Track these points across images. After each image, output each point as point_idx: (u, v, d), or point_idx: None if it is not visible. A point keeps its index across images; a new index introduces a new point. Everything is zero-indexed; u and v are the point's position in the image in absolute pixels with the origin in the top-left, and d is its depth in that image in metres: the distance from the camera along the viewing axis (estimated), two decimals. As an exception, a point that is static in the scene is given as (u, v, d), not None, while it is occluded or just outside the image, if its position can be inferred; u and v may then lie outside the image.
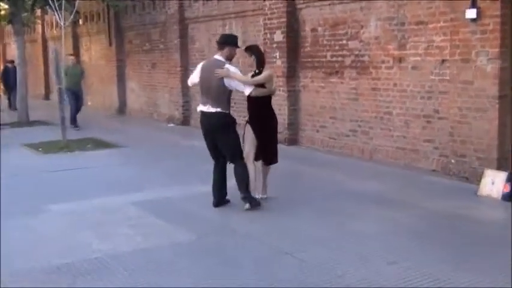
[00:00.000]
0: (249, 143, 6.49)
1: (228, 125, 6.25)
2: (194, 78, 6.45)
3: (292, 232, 5.49)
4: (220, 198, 6.47)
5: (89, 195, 7.21)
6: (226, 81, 6.21)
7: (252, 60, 6.57)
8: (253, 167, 6.48)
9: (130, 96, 17.73)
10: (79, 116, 14.39)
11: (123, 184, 7.89)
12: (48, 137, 12.02)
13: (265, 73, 6.47)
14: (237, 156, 6.31)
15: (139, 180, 8.10)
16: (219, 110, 6.21)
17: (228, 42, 6.38)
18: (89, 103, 18.56)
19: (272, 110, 6.62)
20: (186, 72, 14.20)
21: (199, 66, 6.48)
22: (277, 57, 10.78)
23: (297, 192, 7.16)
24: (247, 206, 6.24)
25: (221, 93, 6.23)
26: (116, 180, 8.15)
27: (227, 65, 6.26)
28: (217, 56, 6.36)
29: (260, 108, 6.49)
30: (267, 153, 6.56)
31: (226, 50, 6.32)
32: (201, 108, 6.32)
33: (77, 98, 14.26)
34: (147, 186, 7.67)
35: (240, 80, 6.28)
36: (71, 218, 6.20)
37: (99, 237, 5.49)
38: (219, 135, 6.25)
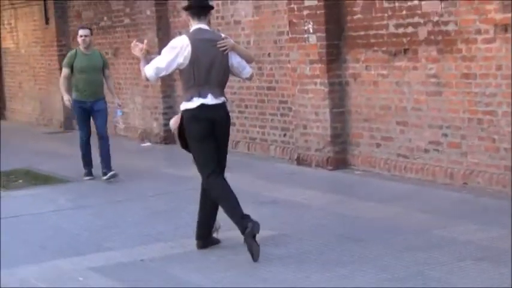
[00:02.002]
0: None
1: (230, 121, 7.20)
2: (172, 61, 6.91)
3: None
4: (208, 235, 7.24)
5: (21, 260, 7.19)
6: (232, 61, 7.04)
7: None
8: None
9: (82, 102, 17.80)
10: None
11: (75, 240, 7.88)
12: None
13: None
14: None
15: (101, 233, 8.10)
16: (223, 99, 6.98)
17: (209, 5, 7.27)
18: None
19: None
20: (167, 61, 14.25)
21: (182, 42, 6.91)
22: (310, 31, 10.78)
23: (355, 253, 7.11)
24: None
25: (226, 76, 7.06)
26: (65, 234, 8.14)
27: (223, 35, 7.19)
28: (204, 26, 7.05)
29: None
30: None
31: (209, 17, 7.21)
32: (200, 101, 6.83)
33: None
34: (114, 243, 7.67)
35: (245, 55, 7.27)
36: (-5, 297, 6.21)
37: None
38: (224, 135, 7.10)
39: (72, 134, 17.24)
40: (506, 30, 8.61)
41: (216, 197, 7.03)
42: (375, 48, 10.26)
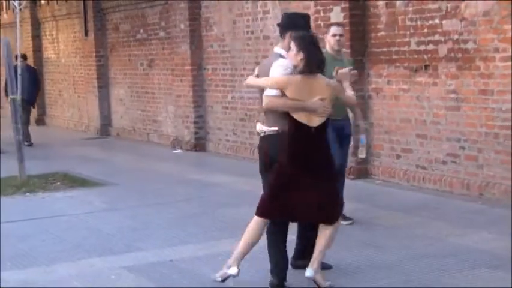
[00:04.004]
0: None
1: (266, 155, 6.19)
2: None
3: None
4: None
5: (58, 258, 7.24)
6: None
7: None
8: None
9: (118, 110, 17.94)
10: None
11: (110, 240, 7.91)
12: (-3, 171, 12.22)
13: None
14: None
15: (134, 234, 8.13)
16: (265, 129, 6.10)
17: (290, 25, 6.21)
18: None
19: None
20: (199, 73, 14.32)
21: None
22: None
23: (373, 259, 7.09)
24: None
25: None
26: (99, 235, 8.18)
27: (276, 62, 6.03)
28: (277, 49, 6.28)
29: None
30: None
31: (287, 38, 6.12)
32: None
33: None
34: (145, 243, 7.70)
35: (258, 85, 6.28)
36: (32, 292, 6.25)
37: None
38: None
39: (107, 139, 17.38)
40: (523, 49, 8.58)
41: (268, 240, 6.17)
42: (397, 64, 10.24)
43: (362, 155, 8.64)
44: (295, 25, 6.12)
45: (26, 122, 16.23)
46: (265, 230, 6.03)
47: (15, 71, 15.69)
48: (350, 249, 6.94)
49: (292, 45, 5.85)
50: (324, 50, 7.10)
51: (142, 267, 6.82)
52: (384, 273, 6.38)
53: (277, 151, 5.90)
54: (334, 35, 8.14)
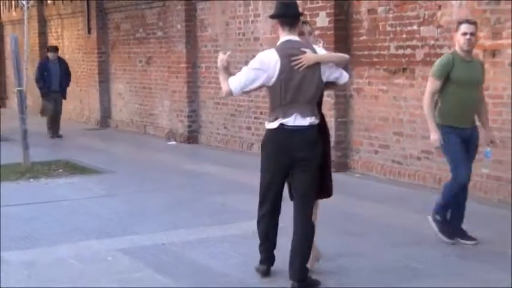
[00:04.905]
0: None
1: (319, 146, 5.69)
2: (257, 77, 5.55)
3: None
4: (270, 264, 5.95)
5: (58, 239, 7.24)
6: (326, 72, 5.62)
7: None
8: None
9: (117, 103, 17.91)
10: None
11: (107, 224, 7.91)
12: (4, 158, 12.15)
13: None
14: (311, 198, 5.74)
15: (130, 219, 8.12)
16: (313, 120, 5.61)
17: (300, 13, 5.83)
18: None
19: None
20: (193, 70, 14.32)
21: (270, 58, 5.57)
22: (321, 48, 10.76)
23: (352, 246, 7.09)
24: None
25: (318, 93, 5.67)
26: (97, 219, 8.17)
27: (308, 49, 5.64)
28: (294, 37, 5.67)
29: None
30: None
31: (299, 26, 5.73)
32: (281, 120, 5.53)
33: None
34: (140, 228, 7.68)
35: (336, 60, 5.79)
36: (33, 271, 6.23)
37: (74, 298, 5.51)
38: (304, 162, 5.57)
39: (107, 131, 17.35)
40: (494, 55, 8.59)
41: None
42: (377, 66, 10.26)
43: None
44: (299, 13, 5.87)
45: (59, 113, 15.96)
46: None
47: (46, 65, 15.71)
48: (331, 237, 6.94)
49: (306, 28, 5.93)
50: (451, 50, 6.82)
51: (137, 250, 6.81)
52: (362, 259, 6.40)
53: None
54: (465, 34, 6.66)
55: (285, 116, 5.50)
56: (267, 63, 5.52)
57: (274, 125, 5.55)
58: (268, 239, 5.89)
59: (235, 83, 5.56)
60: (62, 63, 16.16)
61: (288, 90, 5.49)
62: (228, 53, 5.75)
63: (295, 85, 5.49)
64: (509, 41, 8.38)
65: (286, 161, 5.59)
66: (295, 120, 5.51)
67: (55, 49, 16.39)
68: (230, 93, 5.63)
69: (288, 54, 5.51)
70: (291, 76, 5.49)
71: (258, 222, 5.90)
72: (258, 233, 5.95)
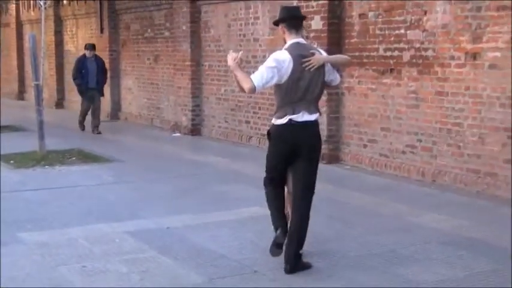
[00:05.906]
0: None
1: (321, 140, 5.77)
2: (274, 74, 5.46)
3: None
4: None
5: (70, 222, 7.25)
6: (327, 73, 5.68)
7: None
8: None
9: (126, 98, 17.89)
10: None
11: (116, 208, 7.92)
12: (21, 146, 12.16)
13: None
14: (313, 191, 5.75)
15: (136, 204, 8.13)
16: (317, 116, 5.65)
17: (303, 16, 5.98)
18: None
19: None
20: (197, 68, 14.30)
21: (285, 57, 5.52)
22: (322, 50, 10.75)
23: (341, 232, 7.10)
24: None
25: (322, 91, 5.72)
26: (107, 204, 8.18)
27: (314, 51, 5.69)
28: (301, 40, 5.69)
29: None
30: None
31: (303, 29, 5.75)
32: (290, 116, 5.53)
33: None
34: (146, 212, 7.70)
35: (341, 62, 5.94)
36: (47, 251, 6.23)
37: (84, 275, 5.50)
38: (308, 155, 5.60)
39: (117, 123, 17.33)
40: (474, 58, 8.58)
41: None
42: (367, 67, 10.24)
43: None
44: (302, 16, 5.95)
45: (98, 109, 15.16)
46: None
47: (83, 62, 15.14)
48: (321, 223, 6.94)
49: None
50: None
51: (142, 233, 6.82)
52: (348, 243, 6.41)
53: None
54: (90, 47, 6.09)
55: (293, 113, 5.50)
56: (281, 63, 5.48)
57: (283, 121, 5.54)
58: (277, 209, 5.81)
59: (258, 79, 5.42)
60: (99, 61, 15.43)
61: (298, 89, 5.50)
62: (241, 52, 5.64)
63: (305, 85, 5.50)
64: (489, 44, 8.37)
65: (293, 147, 5.56)
66: (303, 116, 5.52)
67: (92, 47, 15.48)
68: (253, 90, 5.45)
69: (298, 55, 5.50)
70: (301, 76, 5.49)
71: (267, 194, 5.84)
72: (268, 206, 5.87)
